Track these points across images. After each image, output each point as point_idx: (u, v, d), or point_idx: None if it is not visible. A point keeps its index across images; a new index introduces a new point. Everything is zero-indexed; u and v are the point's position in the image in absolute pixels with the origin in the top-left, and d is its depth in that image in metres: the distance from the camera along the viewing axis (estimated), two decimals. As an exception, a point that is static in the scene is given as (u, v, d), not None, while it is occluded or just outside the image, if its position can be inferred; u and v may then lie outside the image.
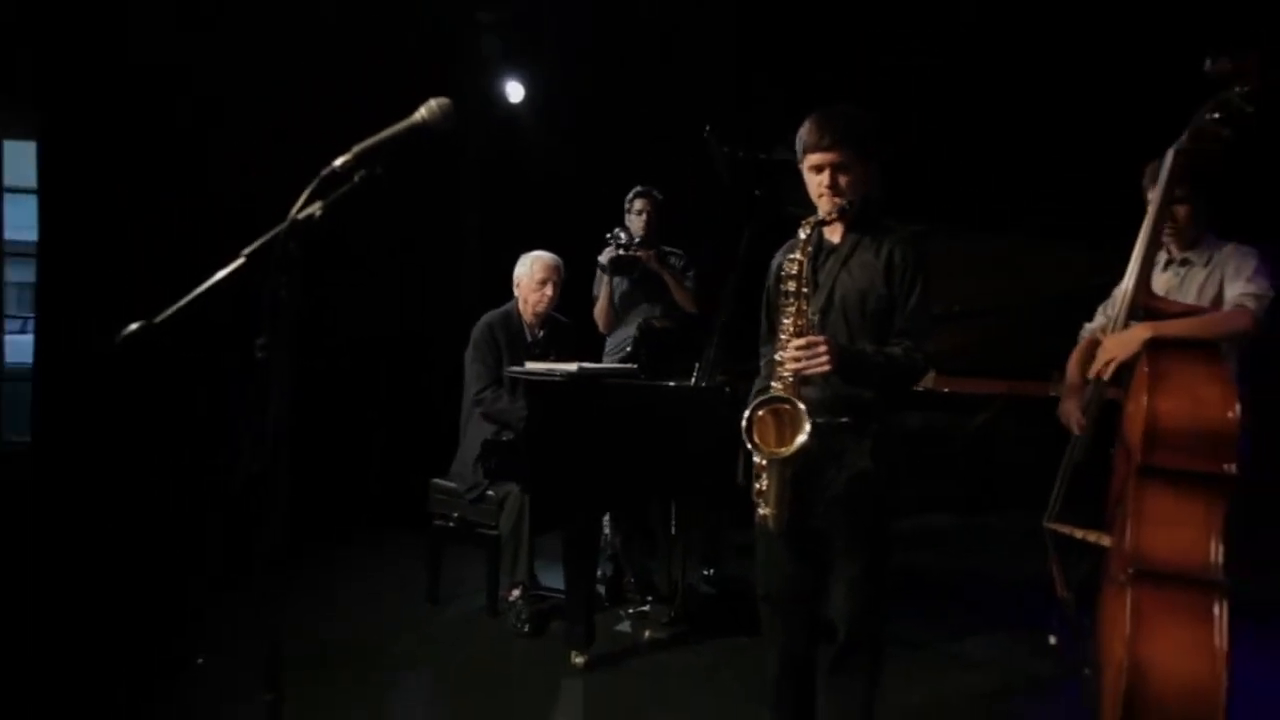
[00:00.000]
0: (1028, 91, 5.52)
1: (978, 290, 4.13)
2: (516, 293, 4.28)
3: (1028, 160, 5.50)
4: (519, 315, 4.26)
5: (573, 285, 4.47)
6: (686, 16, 5.90)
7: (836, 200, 2.62)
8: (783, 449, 2.53)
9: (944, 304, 3.96)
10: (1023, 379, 3.92)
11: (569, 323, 4.42)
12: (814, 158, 2.62)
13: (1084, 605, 2.97)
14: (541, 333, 4.29)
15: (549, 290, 4.24)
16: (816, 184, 2.64)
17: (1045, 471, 2.97)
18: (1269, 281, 2.81)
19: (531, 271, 4.23)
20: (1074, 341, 3.17)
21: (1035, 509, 3.01)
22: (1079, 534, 2.87)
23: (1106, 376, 2.79)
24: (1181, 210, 2.92)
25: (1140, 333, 2.72)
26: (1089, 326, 3.15)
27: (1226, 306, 2.84)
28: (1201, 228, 2.97)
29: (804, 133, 2.64)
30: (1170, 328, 2.73)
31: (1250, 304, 2.77)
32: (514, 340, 4.20)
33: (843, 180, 2.61)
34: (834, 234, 2.71)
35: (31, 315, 6.05)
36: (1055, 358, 3.25)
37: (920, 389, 3.82)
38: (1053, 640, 3.48)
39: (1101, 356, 2.80)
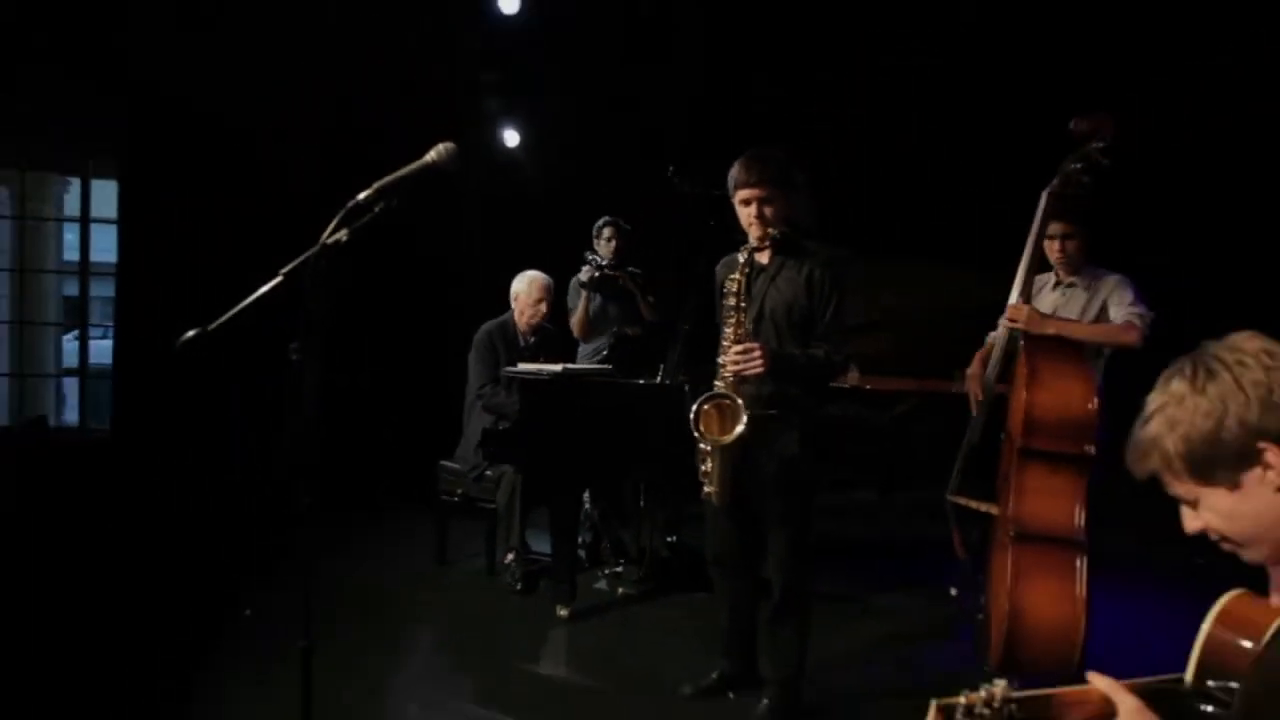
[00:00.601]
0: (934, 146, 5.67)
1: (897, 304, 4.20)
2: (513, 305, 4.28)
3: (937, 197, 5.60)
4: (514, 324, 4.27)
5: (559, 299, 4.49)
6: (653, 79, 5.99)
7: (767, 230, 2.67)
8: (724, 437, 2.59)
9: (867, 314, 4.04)
10: (931, 378, 3.98)
11: (555, 330, 4.42)
12: (743, 193, 2.68)
13: (978, 563, 3.04)
14: (533, 339, 4.31)
15: (543, 307, 4.26)
16: (746, 215, 2.69)
17: (948, 454, 3.04)
18: (1147, 308, 2.90)
19: (530, 290, 4.24)
20: (974, 347, 3.26)
21: (940, 485, 3.07)
22: (974, 504, 2.92)
23: (1002, 326, 2.85)
24: (1071, 244, 3.02)
25: (1049, 325, 2.82)
26: (991, 335, 3.24)
27: (1117, 322, 2.92)
28: (1085, 258, 3.07)
29: (734, 172, 2.69)
30: (1074, 330, 2.82)
31: (1138, 322, 2.84)
32: (510, 345, 4.22)
33: (768, 211, 2.66)
34: (764, 257, 2.76)
35: (111, 324, 6.20)
36: (958, 360, 3.31)
37: (846, 386, 3.87)
38: (953, 592, 3.55)
39: (1014, 314, 2.84)
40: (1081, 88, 4.55)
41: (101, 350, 6.56)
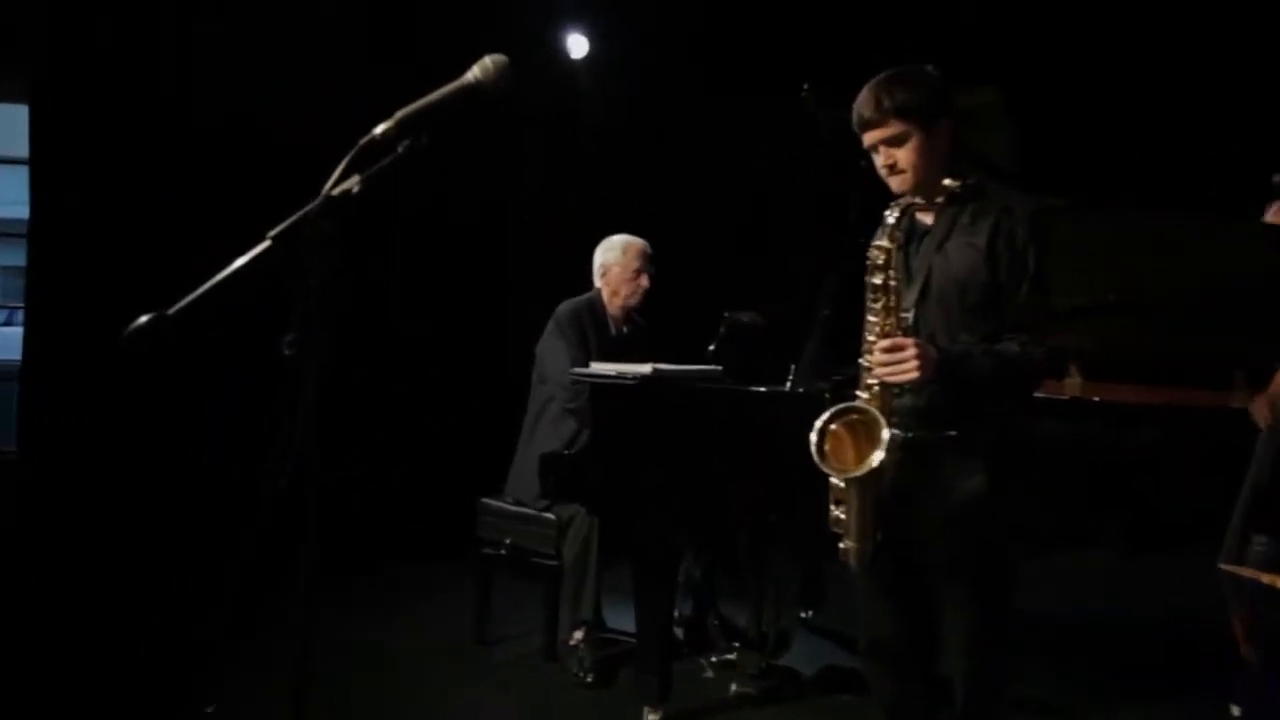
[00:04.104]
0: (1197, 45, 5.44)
1: (1137, 277, 4.06)
2: (600, 283, 4.38)
3: (1193, 128, 5.40)
4: (603, 306, 4.36)
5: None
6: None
7: (899, 181, 2.63)
8: (856, 468, 2.54)
9: (1094, 292, 3.94)
10: (1194, 386, 3.83)
11: (646, 325, 4.48)
12: (866, 136, 2.65)
13: (1274, 666, 2.91)
14: (626, 329, 4.38)
15: (644, 281, 4.34)
16: (878, 165, 2.67)
17: (1222, 500, 2.91)
18: None
19: (626, 260, 4.33)
20: (1263, 339, 3.10)
21: (1210, 545, 2.95)
22: (1265, 579, 2.81)
23: None
24: None
25: None
26: None
27: None
28: None
29: (856, 107, 2.66)
30: None
31: None
32: (600, 333, 4.31)
33: (900, 157, 2.62)
34: (926, 214, 2.71)
35: (20, 305, 6.08)
36: (1235, 359, 3.17)
37: (1064, 397, 3.77)
38: (1236, 712, 3.40)
39: None
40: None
41: (7, 341, 6.43)
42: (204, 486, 5.30)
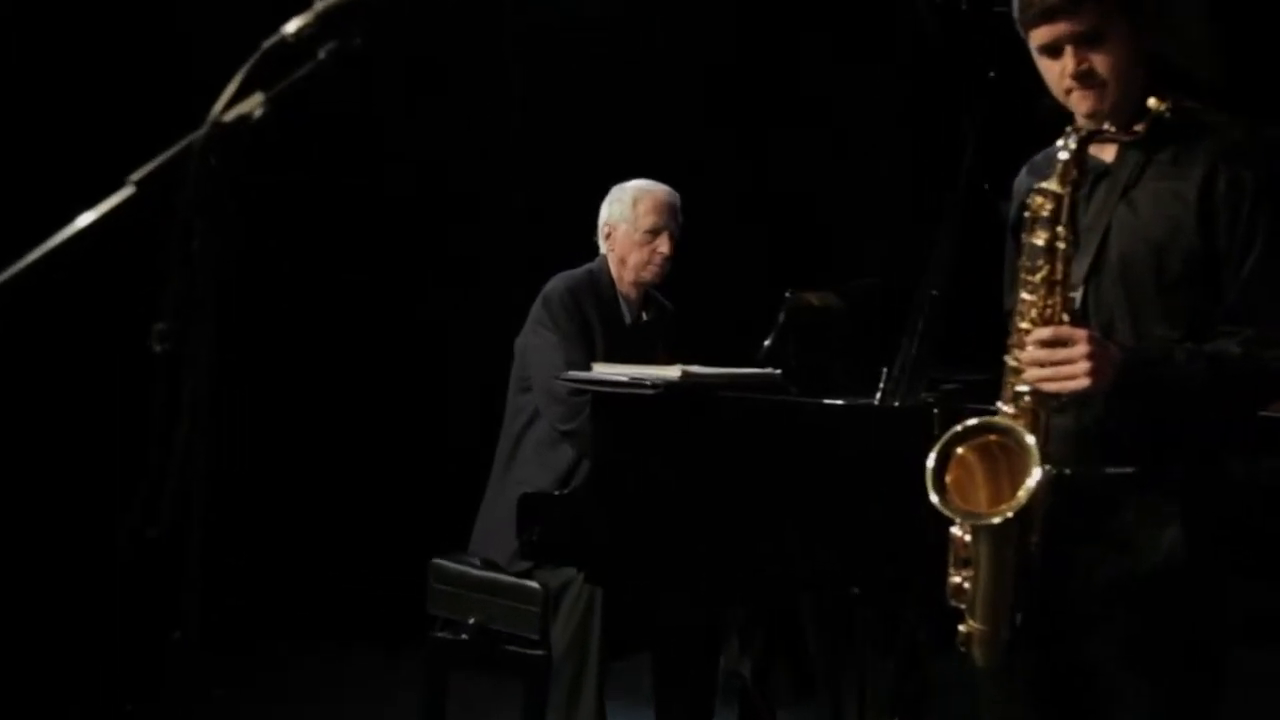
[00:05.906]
0: None
1: None
2: (606, 247, 4.37)
3: None
4: (610, 281, 4.35)
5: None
6: None
7: (1092, 98, 2.59)
8: (994, 510, 2.52)
9: None
10: None
11: (674, 309, 4.49)
12: (1042, 31, 2.61)
13: None
14: (645, 314, 4.39)
15: (663, 245, 4.30)
16: (1056, 74, 2.63)
17: None
18: None
19: (635, 214, 4.30)
20: None
21: None
22: None
23: None
24: None
25: None
26: None
27: None
28: None
29: None
30: None
31: None
32: (608, 319, 4.29)
33: (1100, 63, 2.58)
34: (1109, 152, 2.69)
35: None
36: None
37: None
38: None
39: None
40: None
41: None
42: (42, 538, 5.32)
